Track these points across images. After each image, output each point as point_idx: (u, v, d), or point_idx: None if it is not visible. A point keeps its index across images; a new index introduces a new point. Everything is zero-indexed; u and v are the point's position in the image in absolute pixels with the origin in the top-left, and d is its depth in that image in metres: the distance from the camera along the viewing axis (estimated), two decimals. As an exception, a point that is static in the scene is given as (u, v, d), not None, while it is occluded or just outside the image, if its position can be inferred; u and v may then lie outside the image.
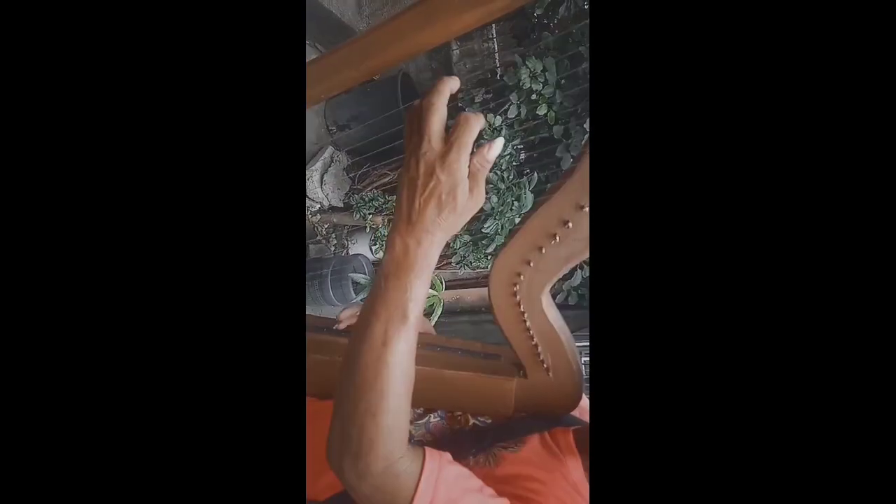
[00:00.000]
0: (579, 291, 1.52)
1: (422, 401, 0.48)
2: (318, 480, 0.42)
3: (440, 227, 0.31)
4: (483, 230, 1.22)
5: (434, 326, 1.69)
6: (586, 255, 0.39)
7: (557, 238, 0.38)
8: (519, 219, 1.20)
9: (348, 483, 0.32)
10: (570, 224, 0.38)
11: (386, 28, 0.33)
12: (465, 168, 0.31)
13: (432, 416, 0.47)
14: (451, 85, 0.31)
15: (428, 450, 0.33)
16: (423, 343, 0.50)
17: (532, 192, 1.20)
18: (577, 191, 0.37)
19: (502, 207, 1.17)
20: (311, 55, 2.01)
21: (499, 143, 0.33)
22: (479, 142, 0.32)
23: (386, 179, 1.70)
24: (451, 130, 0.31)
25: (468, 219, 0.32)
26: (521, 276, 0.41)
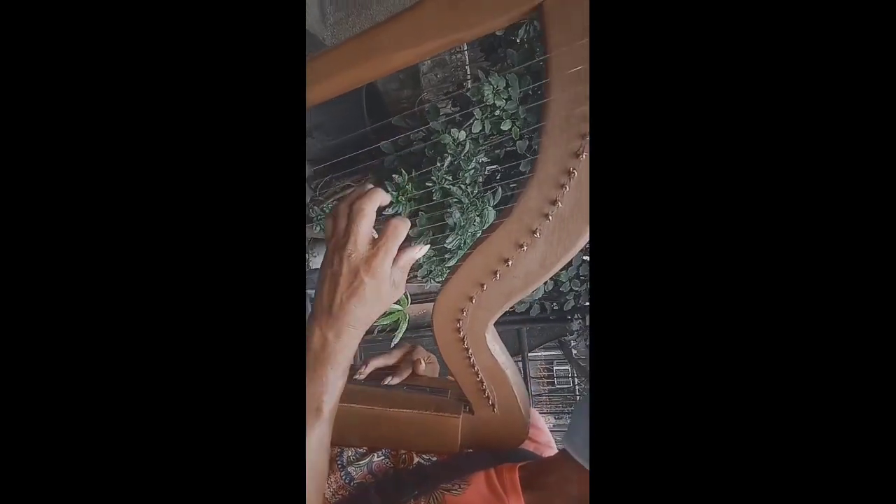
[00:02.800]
0: (542, 304, 1.54)
1: (365, 440, 0.46)
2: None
3: (361, 321, 0.33)
4: (446, 245, 1.22)
5: (398, 342, 1.68)
6: (527, 292, 0.38)
7: (498, 275, 0.38)
8: (481, 234, 1.20)
9: None
10: (510, 262, 0.37)
11: (354, 46, 0.33)
12: (389, 269, 0.33)
13: (375, 455, 0.45)
14: (382, 198, 0.34)
15: None
16: (369, 381, 0.48)
17: (495, 207, 1.21)
18: (515, 230, 0.36)
19: (465, 223, 1.17)
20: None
21: (423, 249, 0.36)
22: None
23: (349, 191, 1.67)
24: (380, 234, 0.33)
25: (386, 309, 0.34)
26: (464, 313, 0.40)
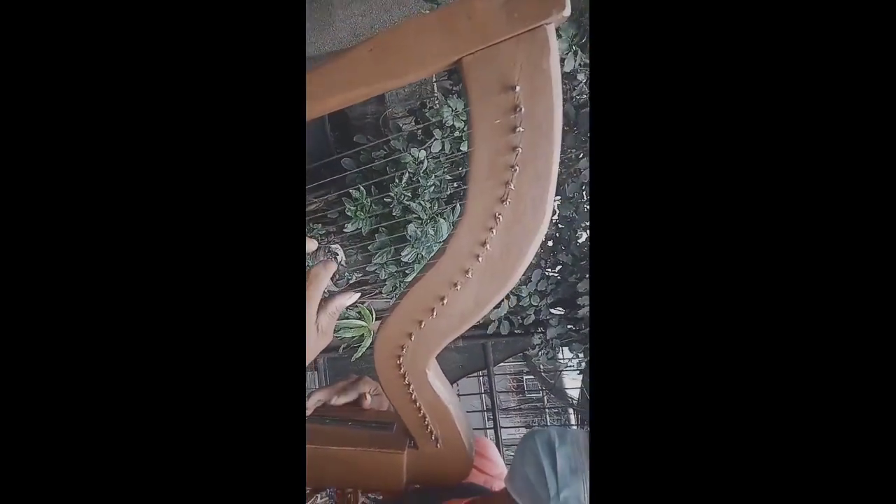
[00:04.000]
0: (509, 319, 1.56)
1: (310, 480, 0.45)
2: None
3: None
4: (402, 258, 1.22)
5: (361, 358, 1.64)
6: (463, 330, 0.39)
7: (434, 313, 0.38)
8: (437, 247, 1.21)
9: None
10: (446, 300, 0.38)
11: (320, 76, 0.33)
12: (313, 315, 0.34)
13: (319, 496, 0.44)
14: (331, 269, 0.36)
15: None
16: (312, 416, 0.47)
17: (452, 222, 1.23)
18: (449, 269, 0.37)
19: (421, 236, 1.18)
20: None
21: (353, 297, 0.37)
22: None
23: (311, 207, 1.64)
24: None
25: (313, 357, 0.35)
26: (404, 349, 0.40)
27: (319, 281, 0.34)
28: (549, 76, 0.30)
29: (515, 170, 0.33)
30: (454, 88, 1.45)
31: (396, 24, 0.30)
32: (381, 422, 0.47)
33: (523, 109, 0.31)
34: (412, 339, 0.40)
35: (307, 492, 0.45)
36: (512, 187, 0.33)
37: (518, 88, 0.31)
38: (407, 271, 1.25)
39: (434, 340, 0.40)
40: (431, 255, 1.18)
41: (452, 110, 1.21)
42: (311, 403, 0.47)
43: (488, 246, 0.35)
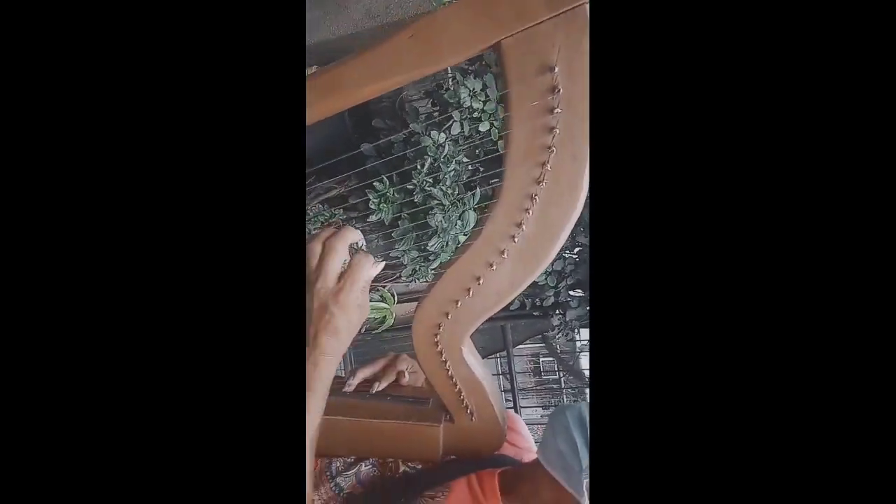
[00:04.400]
0: (524, 300, 1.58)
1: (352, 451, 0.48)
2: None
3: (335, 350, 0.35)
4: (429, 247, 1.23)
5: (387, 340, 1.68)
6: (498, 308, 0.40)
7: (471, 293, 0.40)
8: (463, 237, 1.21)
9: None
10: (482, 280, 0.39)
11: (326, 79, 0.34)
12: (355, 299, 0.35)
13: (363, 464, 0.47)
14: (353, 236, 0.36)
15: None
16: (355, 392, 0.50)
17: (475, 209, 1.23)
18: (485, 250, 0.38)
19: (447, 225, 1.19)
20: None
21: (379, 266, 0.37)
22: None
23: (332, 193, 1.66)
24: (345, 270, 0.35)
25: (354, 335, 0.36)
26: (441, 328, 0.42)
27: (361, 267, 0.35)
28: (586, 56, 0.31)
29: (552, 151, 0.33)
30: (470, 69, 1.43)
31: (434, 9, 0.30)
32: (417, 397, 0.49)
33: (561, 90, 0.31)
34: (449, 317, 0.41)
35: (351, 461, 0.48)
36: (548, 168, 0.34)
37: (556, 70, 0.31)
38: (430, 257, 1.27)
39: (470, 319, 0.41)
40: (458, 244, 1.18)
41: (470, 90, 1.19)
42: (355, 381, 0.50)
43: (524, 227, 0.36)
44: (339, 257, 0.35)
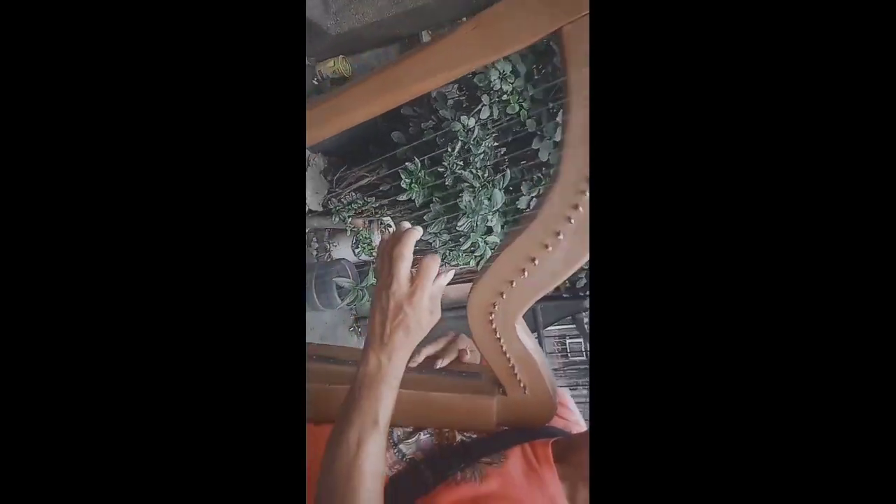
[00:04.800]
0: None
1: (411, 420, 0.52)
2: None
3: (406, 345, 0.39)
4: (458, 228, 1.25)
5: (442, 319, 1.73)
6: (551, 288, 0.42)
7: (526, 273, 0.42)
8: (491, 216, 1.22)
9: None
10: (537, 261, 0.41)
11: (383, 78, 0.37)
12: (427, 300, 0.38)
13: (422, 433, 0.51)
14: (416, 235, 0.39)
15: None
16: (410, 368, 0.53)
17: (503, 189, 1.24)
18: (540, 233, 0.40)
19: (476, 206, 1.20)
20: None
21: (449, 275, 0.41)
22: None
23: (364, 182, 1.69)
24: (416, 272, 0.38)
25: (425, 335, 0.39)
26: (496, 307, 0.44)
27: (431, 270, 0.39)
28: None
29: (610, 134, 0.34)
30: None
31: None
32: (471, 372, 0.52)
33: (620, 75, 0.32)
34: (503, 297, 0.43)
35: (410, 430, 0.51)
36: (606, 151, 0.35)
37: (616, 55, 0.32)
38: (460, 239, 1.29)
39: (523, 298, 0.43)
40: (486, 223, 1.19)
41: (500, 73, 1.19)
42: (420, 358, 0.53)
43: (580, 208, 0.37)
44: (407, 262, 0.39)
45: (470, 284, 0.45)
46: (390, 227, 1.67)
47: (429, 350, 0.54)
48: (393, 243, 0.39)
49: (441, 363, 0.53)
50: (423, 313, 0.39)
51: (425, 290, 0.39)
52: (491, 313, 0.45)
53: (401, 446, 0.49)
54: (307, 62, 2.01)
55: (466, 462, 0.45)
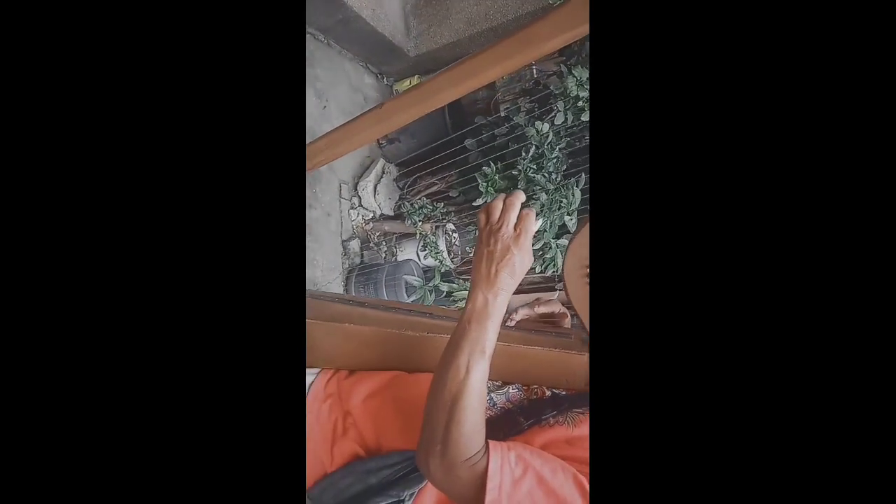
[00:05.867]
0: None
1: (504, 374, 0.54)
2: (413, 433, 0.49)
3: (510, 285, 0.43)
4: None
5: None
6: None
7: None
8: (568, 216, 1.24)
9: (433, 476, 0.40)
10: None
11: (441, 78, 0.43)
12: (529, 244, 0.44)
13: (511, 387, 0.53)
14: (523, 197, 0.45)
15: (491, 443, 0.40)
16: (508, 326, 0.56)
17: (581, 190, 1.25)
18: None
19: (551, 206, 1.23)
20: (363, 75, 2.13)
21: (539, 222, 0.46)
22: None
23: (434, 189, 1.79)
24: (519, 220, 0.44)
25: (523, 276, 0.44)
26: (589, 269, 0.46)
27: (532, 219, 0.44)
28: None
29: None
30: (570, 62, 1.46)
31: (539, 11, 0.36)
32: (560, 331, 0.54)
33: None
34: (601, 251, 0.46)
35: (499, 385, 0.54)
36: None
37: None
38: (535, 237, 1.32)
39: (622, 251, 0.45)
40: (561, 222, 1.21)
41: (577, 79, 1.23)
42: (518, 317, 0.57)
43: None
44: (516, 211, 0.44)
45: (534, 295, 0.48)
46: (454, 231, 1.74)
47: (525, 311, 0.57)
48: (505, 196, 0.44)
49: (538, 309, 0.55)
50: (526, 255, 0.43)
51: (529, 235, 0.43)
52: (586, 275, 0.47)
53: (492, 395, 0.52)
54: (385, 82, 2.20)
55: (558, 410, 0.47)
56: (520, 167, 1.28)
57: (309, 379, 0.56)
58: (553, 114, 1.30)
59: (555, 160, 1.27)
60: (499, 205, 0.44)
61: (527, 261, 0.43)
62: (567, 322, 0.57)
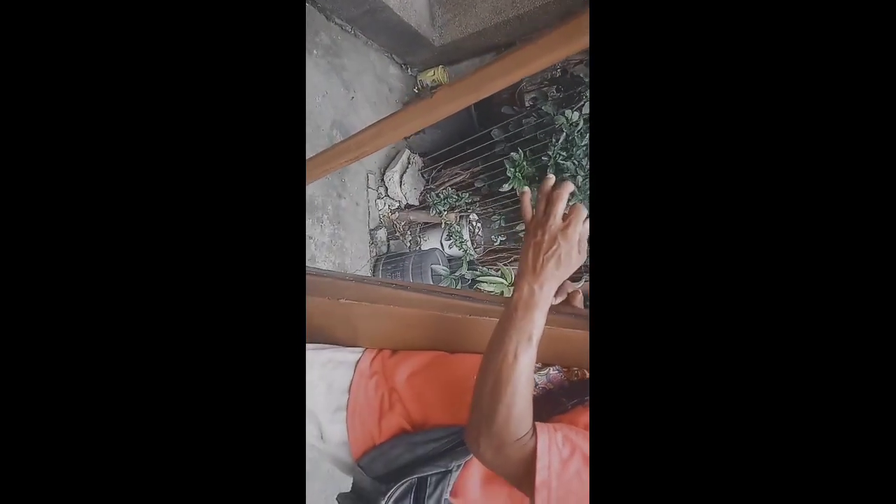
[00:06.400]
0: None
1: (540, 357, 0.55)
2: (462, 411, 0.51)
3: (556, 276, 0.43)
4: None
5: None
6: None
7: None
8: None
9: (483, 455, 0.42)
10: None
11: (470, 79, 0.43)
12: (577, 237, 0.43)
13: (552, 369, 0.54)
14: (571, 187, 0.45)
15: (538, 424, 0.42)
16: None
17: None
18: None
19: (581, 196, 1.22)
20: (388, 66, 2.14)
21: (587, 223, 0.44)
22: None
23: (458, 179, 1.80)
24: (569, 212, 0.44)
25: (572, 271, 0.44)
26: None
27: (581, 212, 0.44)
28: None
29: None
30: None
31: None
32: (578, 315, 0.55)
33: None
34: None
35: (539, 366, 0.55)
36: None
37: None
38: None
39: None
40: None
41: (609, 67, 1.21)
42: (559, 299, 0.58)
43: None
44: (563, 203, 0.44)
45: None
46: (477, 221, 1.74)
47: (562, 295, 0.58)
48: (551, 187, 0.45)
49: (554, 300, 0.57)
50: (574, 248, 0.43)
51: (577, 227, 0.43)
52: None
53: (534, 376, 0.54)
54: (409, 72, 2.20)
55: (600, 392, 0.48)
56: (550, 152, 1.27)
57: (354, 358, 0.58)
58: (582, 102, 1.29)
59: (584, 147, 1.26)
60: (545, 196, 0.45)
61: (574, 253, 0.43)
62: (579, 301, 0.57)
